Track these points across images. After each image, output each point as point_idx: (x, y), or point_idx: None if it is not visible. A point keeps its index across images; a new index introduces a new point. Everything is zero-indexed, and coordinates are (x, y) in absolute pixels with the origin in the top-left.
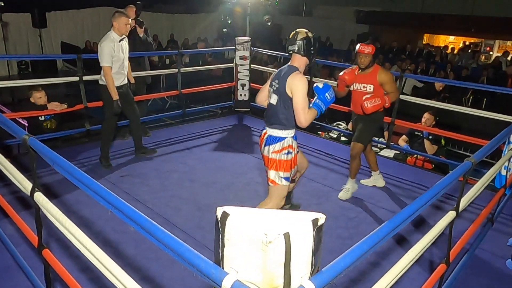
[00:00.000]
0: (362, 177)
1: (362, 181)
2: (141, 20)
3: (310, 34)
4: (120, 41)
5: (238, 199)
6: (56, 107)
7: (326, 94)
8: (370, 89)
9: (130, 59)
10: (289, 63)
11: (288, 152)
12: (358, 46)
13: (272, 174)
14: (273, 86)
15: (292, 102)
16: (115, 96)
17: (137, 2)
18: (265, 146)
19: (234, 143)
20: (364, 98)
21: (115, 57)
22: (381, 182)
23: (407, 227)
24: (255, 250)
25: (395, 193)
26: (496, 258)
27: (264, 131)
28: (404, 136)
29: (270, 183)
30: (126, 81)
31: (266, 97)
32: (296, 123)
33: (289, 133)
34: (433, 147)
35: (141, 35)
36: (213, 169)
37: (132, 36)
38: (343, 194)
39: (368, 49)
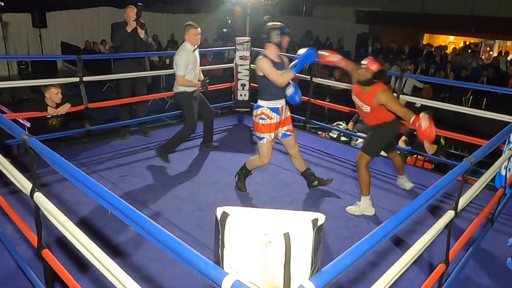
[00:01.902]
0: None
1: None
2: (142, 21)
3: (276, 25)
4: (193, 51)
5: (238, 199)
6: (65, 107)
7: (304, 56)
8: (367, 109)
9: (131, 59)
10: None
11: (261, 118)
12: (365, 60)
13: (255, 134)
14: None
15: (261, 79)
16: (197, 84)
17: (138, 4)
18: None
19: (234, 143)
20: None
21: (190, 66)
22: (408, 185)
23: (406, 227)
24: (255, 250)
25: (395, 193)
26: (496, 258)
27: None
28: (404, 137)
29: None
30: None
31: None
32: (272, 97)
33: (263, 103)
34: (432, 147)
35: (142, 36)
36: (213, 169)
37: (132, 36)
38: (352, 208)
39: (374, 66)
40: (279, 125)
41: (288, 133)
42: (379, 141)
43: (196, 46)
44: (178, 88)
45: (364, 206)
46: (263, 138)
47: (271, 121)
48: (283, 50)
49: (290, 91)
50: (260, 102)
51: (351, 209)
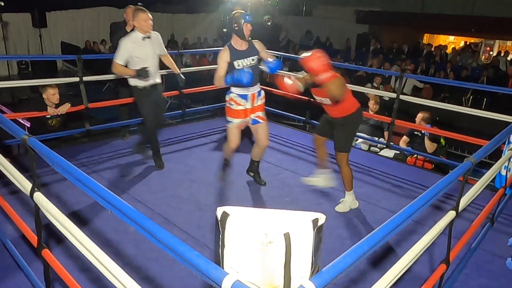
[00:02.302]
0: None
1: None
2: None
3: (235, 14)
4: (143, 39)
5: (238, 199)
6: (65, 107)
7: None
8: (327, 102)
9: None
10: None
11: (230, 104)
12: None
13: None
14: None
15: (229, 67)
16: (131, 72)
17: (138, 4)
18: None
19: None
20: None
21: (135, 58)
22: (327, 182)
23: (407, 227)
24: (255, 250)
25: (395, 193)
26: (496, 258)
27: None
28: (404, 137)
29: None
30: (155, 81)
31: None
32: (240, 85)
33: (233, 89)
34: (433, 145)
35: None
36: (213, 169)
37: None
38: (340, 206)
39: (312, 63)
40: (249, 112)
41: (258, 119)
42: (349, 134)
43: (147, 34)
44: (129, 81)
45: (349, 201)
46: (230, 122)
47: (239, 107)
48: (246, 38)
49: (272, 63)
50: (231, 89)
51: (339, 207)
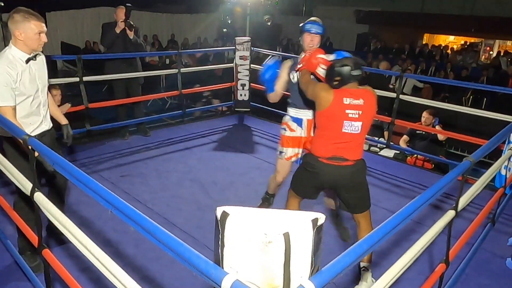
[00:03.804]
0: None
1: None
2: (131, 22)
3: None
4: (27, 61)
5: (238, 199)
6: (65, 108)
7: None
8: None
9: (122, 60)
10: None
11: (283, 129)
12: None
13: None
14: None
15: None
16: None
17: (127, 4)
18: None
19: (234, 143)
20: None
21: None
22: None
23: (406, 227)
24: (255, 250)
25: (395, 193)
26: (496, 258)
27: None
28: (404, 137)
29: None
30: (47, 127)
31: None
32: (295, 106)
33: (288, 111)
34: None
35: (131, 37)
36: (213, 169)
37: (122, 37)
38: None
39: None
40: (303, 142)
41: None
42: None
43: (35, 52)
44: None
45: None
46: (281, 152)
47: (292, 134)
48: (304, 50)
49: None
50: (287, 109)
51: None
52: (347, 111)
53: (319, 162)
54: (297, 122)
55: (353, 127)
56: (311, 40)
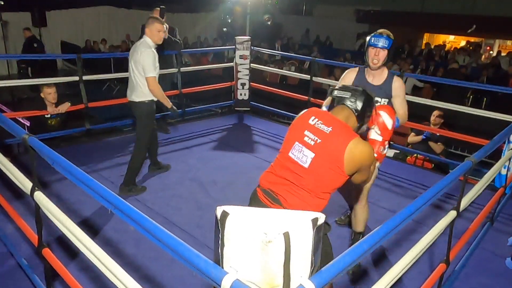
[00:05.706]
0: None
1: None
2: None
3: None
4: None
5: (238, 199)
6: (65, 106)
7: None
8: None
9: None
10: None
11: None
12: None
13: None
14: None
15: None
16: (168, 103)
17: (161, 6)
18: None
19: (234, 142)
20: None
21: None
22: None
23: (407, 227)
24: (254, 249)
25: (395, 193)
26: (496, 258)
27: None
28: (413, 133)
29: None
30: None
31: None
32: None
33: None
34: (438, 146)
35: (165, 37)
36: (213, 169)
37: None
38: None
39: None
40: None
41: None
42: None
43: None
44: (139, 95)
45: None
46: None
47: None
48: (370, 66)
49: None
50: None
51: None
52: (306, 132)
53: (255, 192)
54: None
55: (302, 155)
56: (375, 54)
